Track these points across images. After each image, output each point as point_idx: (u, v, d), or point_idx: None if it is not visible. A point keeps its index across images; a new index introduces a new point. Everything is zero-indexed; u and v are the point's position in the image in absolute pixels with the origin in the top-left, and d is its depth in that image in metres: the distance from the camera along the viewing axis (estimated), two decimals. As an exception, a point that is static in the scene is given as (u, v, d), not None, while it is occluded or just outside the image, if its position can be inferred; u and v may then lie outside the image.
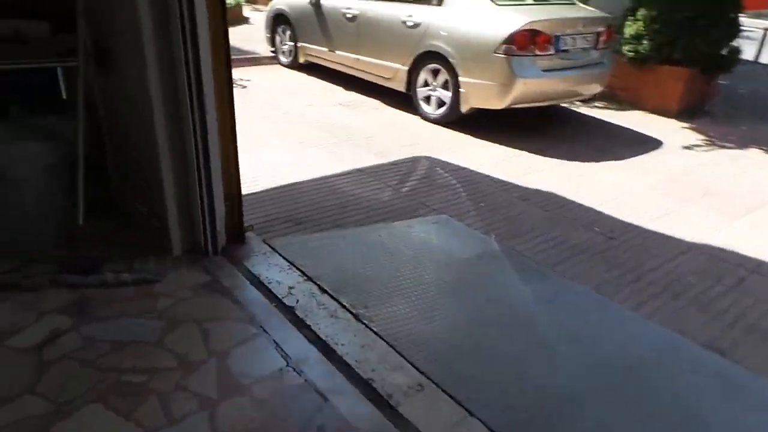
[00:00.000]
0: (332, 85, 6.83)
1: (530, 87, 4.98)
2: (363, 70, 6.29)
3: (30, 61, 2.56)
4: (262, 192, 3.72)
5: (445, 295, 2.58)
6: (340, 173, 4.15)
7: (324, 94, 6.50)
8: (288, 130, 5.10)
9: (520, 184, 4.15)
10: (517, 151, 4.88)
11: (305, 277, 2.56)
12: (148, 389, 1.89)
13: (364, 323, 2.25)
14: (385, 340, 2.15)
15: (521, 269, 2.89)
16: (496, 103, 5.05)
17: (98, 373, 1.95)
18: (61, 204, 2.68)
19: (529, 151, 4.86)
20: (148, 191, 2.70)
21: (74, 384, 1.91)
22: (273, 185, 3.84)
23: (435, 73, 5.43)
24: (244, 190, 3.16)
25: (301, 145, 4.72)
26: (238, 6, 11.22)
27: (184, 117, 2.42)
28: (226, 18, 2.40)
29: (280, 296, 2.40)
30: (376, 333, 2.19)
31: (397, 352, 2.10)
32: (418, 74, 5.57)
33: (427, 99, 5.56)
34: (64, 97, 2.98)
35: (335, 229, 3.25)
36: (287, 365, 2.02)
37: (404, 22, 5.58)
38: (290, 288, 2.47)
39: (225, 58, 2.47)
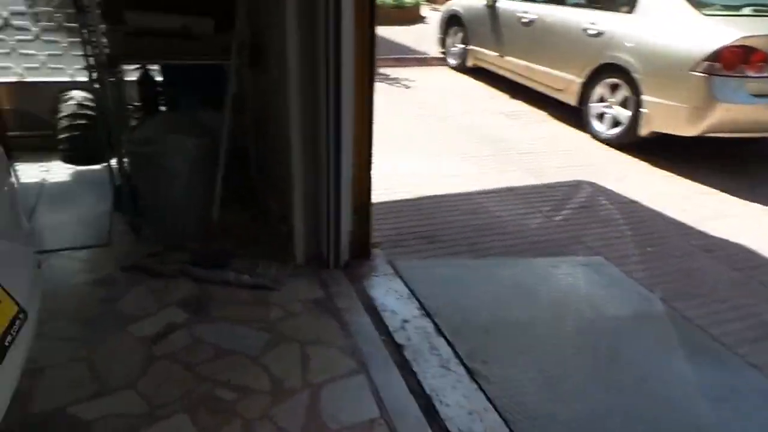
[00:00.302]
0: (497, 92, 6.46)
1: (733, 114, 4.13)
2: (532, 79, 5.83)
3: (191, 57, 2.65)
4: (400, 201, 3.56)
5: (582, 362, 2.15)
6: (487, 190, 3.83)
7: (487, 100, 6.17)
8: (442, 136, 4.88)
9: (703, 230, 3.44)
10: (705, 188, 4.08)
11: (423, 312, 2.31)
12: (236, 411, 1.79)
13: (478, 383, 1.94)
14: (498, 411, 1.81)
15: (689, 345, 2.33)
16: (686, 129, 4.28)
17: (195, 380, 1.91)
18: (206, 196, 2.75)
19: (722, 190, 4.04)
20: (280, 192, 2.66)
21: (172, 387, 1.88)
22: (413, 195, 3.65)
23: (613, 88, 4.79)
24: (383, 196, 3.02)
25: (452, 153, 4.47)
26: (417, 5, 11.28)
27: (320, 120, 2.31)
28: (374, 22, 2.24)
29: (391, 329, 2.19)
30: (489, 399, 1.87)
31: (510, 430, 1.75)
32: (593, 88, 4.97)
33: (601, 116, 4.94)
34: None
35: (468, 256, 2.95)
36: (380, 416, 1.79)
37: (585, 30, 5.01)
38: (404, 321, 2.24)
39: (368, 62, 2.30)
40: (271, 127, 2.80)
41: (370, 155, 2.52)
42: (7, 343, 1.22)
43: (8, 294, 1.29)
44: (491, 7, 6.39)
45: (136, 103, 3.49)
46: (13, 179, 1.63)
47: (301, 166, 2.43)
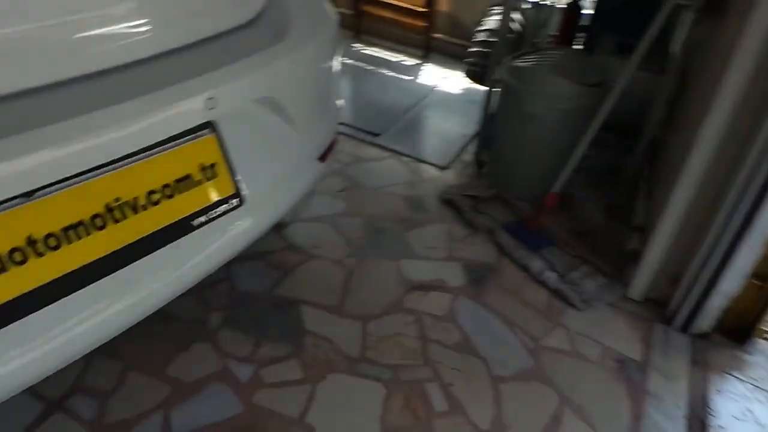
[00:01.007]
0: None
1: None
2: None
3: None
4: None
5: None
6: None
7: None
8: None
9: None
10: None
11: (786, 487, 1.31)
12: (430, 428, 1.35)
13: None
14: None
15: None
16: None
17: (419, 357, 1.54)
18: (564, 158, 2.19)
19: None
20: (653, 194, 1.88)
21: (393, 349, 1.56)
22: None
23: None
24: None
25: None
26: None
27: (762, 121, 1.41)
28: None
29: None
30: None
31: None
32: None
33: None
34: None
35: None
36: None
37: None
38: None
39: None
40: (688, 104, 1.96)
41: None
42: (196, 223, 1.03)
43: (231, 173, 1.09)
44: None
45: (554, 33, 3.04)
46: (336, 61, 1.43)
47: (693, 174, 1.58)
